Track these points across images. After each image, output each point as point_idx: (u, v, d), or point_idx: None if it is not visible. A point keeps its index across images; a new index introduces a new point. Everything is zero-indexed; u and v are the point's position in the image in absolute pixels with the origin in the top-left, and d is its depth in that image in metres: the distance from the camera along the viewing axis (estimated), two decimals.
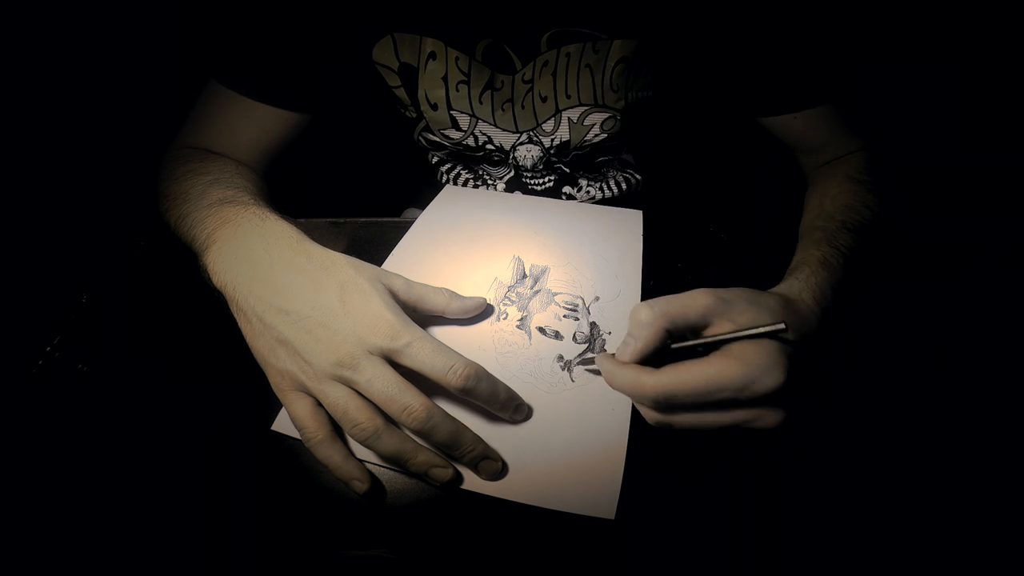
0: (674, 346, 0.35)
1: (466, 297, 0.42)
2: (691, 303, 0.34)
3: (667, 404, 0.33)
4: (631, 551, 0.34)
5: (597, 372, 0.38)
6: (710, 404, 0.33)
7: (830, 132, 0.58)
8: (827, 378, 0.38)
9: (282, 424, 0.38)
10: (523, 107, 0.59)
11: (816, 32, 0.53)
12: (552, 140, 0.61)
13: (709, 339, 0.34)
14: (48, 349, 0.43)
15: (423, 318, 0.41)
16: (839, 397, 0.40)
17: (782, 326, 0.32)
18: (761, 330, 0.32)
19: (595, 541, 0.34)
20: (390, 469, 0.37)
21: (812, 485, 0.37)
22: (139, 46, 0.75)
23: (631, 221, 0.55)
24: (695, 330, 0.35)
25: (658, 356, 0.34)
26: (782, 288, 0.39)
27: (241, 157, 0.56)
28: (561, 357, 0.42)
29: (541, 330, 0.43)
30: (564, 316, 0.45)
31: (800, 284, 0.39)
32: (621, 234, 0.53)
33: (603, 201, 0.69)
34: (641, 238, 0.52)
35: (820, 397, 0.38)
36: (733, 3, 0.51)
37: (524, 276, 0.48)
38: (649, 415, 0.35)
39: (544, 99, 0.58)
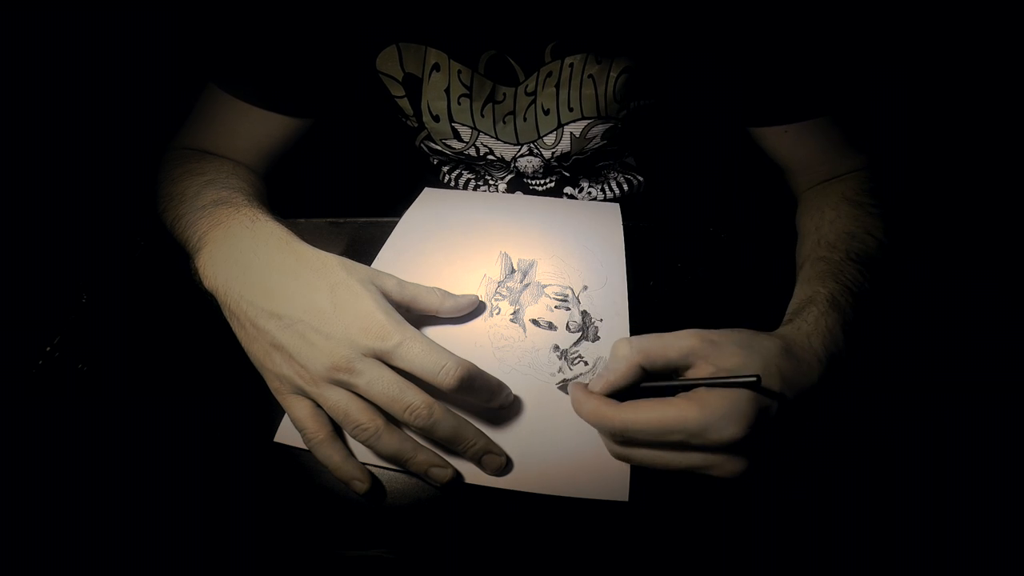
0: (642, 385, 0.34)
1: (458, 295, 0.42)
2: (674, 343, 0.33)
3: (624, 439, 0.33)
4: (648, 532, 0.34)
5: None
6: (666, 444, 0.32)
7: (822, 150, 0.54)
8: (819, 427, 0.36)
9: (285, 435, 0.38)
10: (525, 120, 0.58)
11: (809, 40, 0.50)
12: (553, 152, 0.61)
13: (676, 383, 0.33)
14: (48, 349, 0.43)
15: (418, 318, 0.41)
16: (847, 392, 0.40)
17: (754, 379, 0.30)
18: (730, 380, 0.30)
19: (604, 529, 0.34)
20: (390, 469, 0.37)
21: (823, 467, 0.37)
22: (139, 47, 0.75)
23: (609, 213, 0.55)
24: (676, 371, 0.34)
25: (630, 393, 0.34)
26: (788, 331, 0.36)
27: (240, 160, 0.56)
28: (557, 347, 0.42)
29: (535, 322, 0.44)
30: (556, 307, 0.45)
31: (809, 328, 0.36)
32: (602, 224, 0.53)
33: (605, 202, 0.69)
34: (621, 228, 0.53)
35: (802, 445, 0.36)
36: (729, 13, 0.50)
37: (512, 271, 0.48)
38: (609, 447, 0.35)
39: (547, 111, 0.57)
